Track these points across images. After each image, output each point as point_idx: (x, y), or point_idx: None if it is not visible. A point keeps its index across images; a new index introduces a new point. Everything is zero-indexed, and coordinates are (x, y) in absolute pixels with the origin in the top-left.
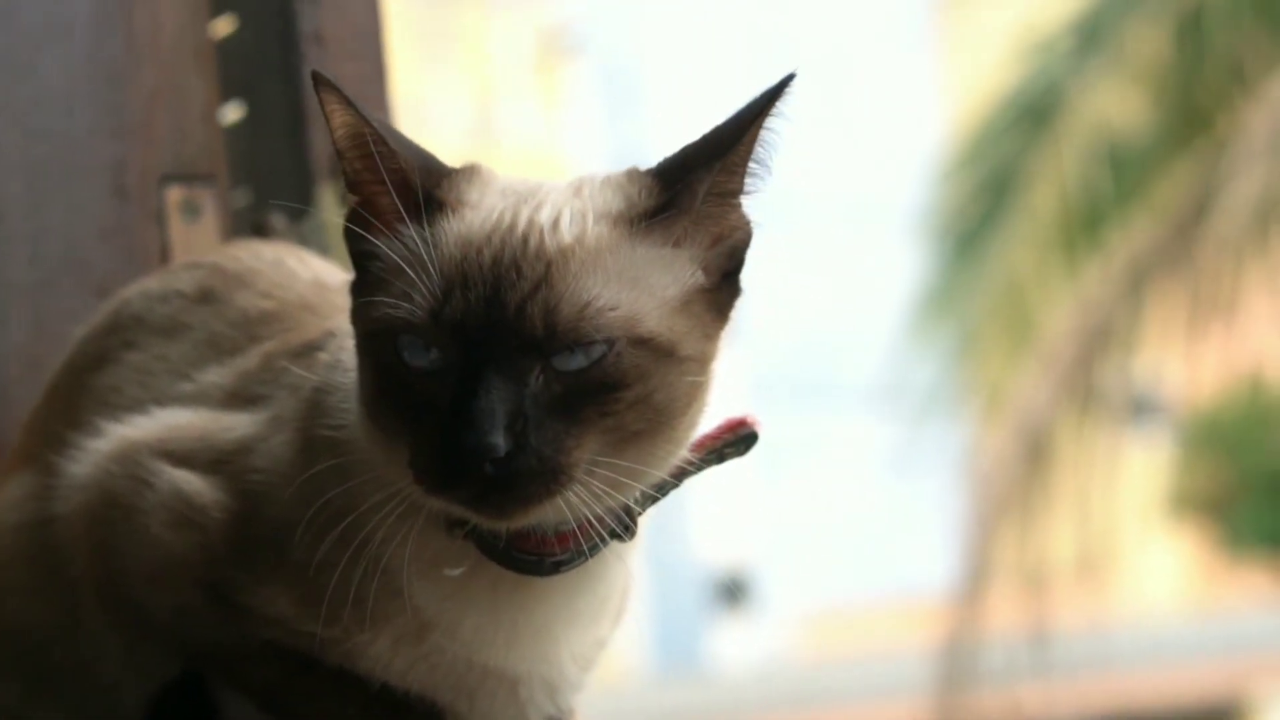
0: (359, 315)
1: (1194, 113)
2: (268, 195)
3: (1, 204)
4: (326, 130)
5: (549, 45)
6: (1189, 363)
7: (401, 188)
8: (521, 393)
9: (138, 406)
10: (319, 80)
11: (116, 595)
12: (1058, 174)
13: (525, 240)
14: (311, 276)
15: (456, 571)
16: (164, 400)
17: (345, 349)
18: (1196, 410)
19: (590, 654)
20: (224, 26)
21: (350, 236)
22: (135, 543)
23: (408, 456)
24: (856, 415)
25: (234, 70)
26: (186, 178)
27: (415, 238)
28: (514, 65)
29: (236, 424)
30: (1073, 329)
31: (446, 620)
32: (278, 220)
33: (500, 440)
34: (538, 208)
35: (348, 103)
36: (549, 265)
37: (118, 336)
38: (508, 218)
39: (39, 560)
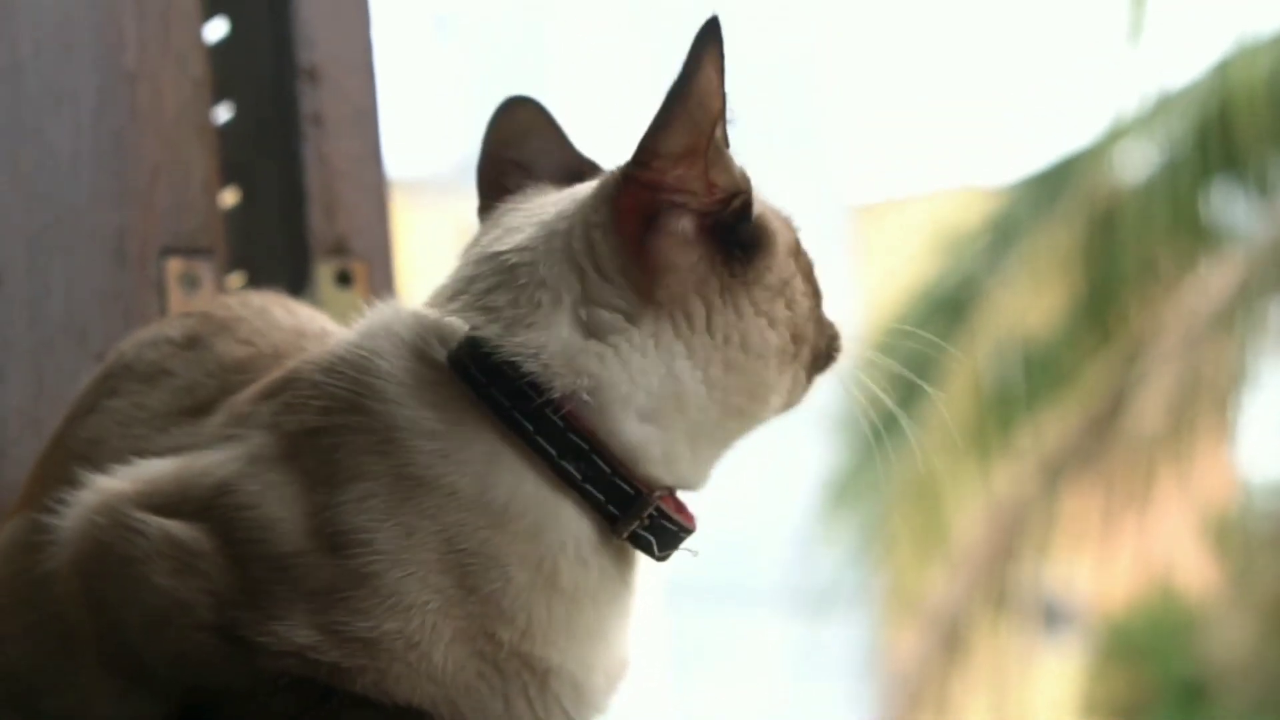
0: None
1: (1107, 312)
2: (264, 275)
3: (3, 267)
4: (325, 207)
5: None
6: (1100, 567)
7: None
8: None
9: (119, 457)
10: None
11: (115, 646)
12: (970, 369)
13: None
14: (293, 324)
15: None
16: (143, 451)
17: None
18: (1108, 617)
19: (615, 673)
20: (224, 112)
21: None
22: (133, 593)
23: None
24: (764, 615)
25: (233, 155)
26: (186, 251)
27: None
28: None
29: (211, 466)
30: (986, 527)
31: (529, 615)
32: None
33: None
34: None
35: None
36: None
37: (106, 384)
38: None
39: (32, 604)
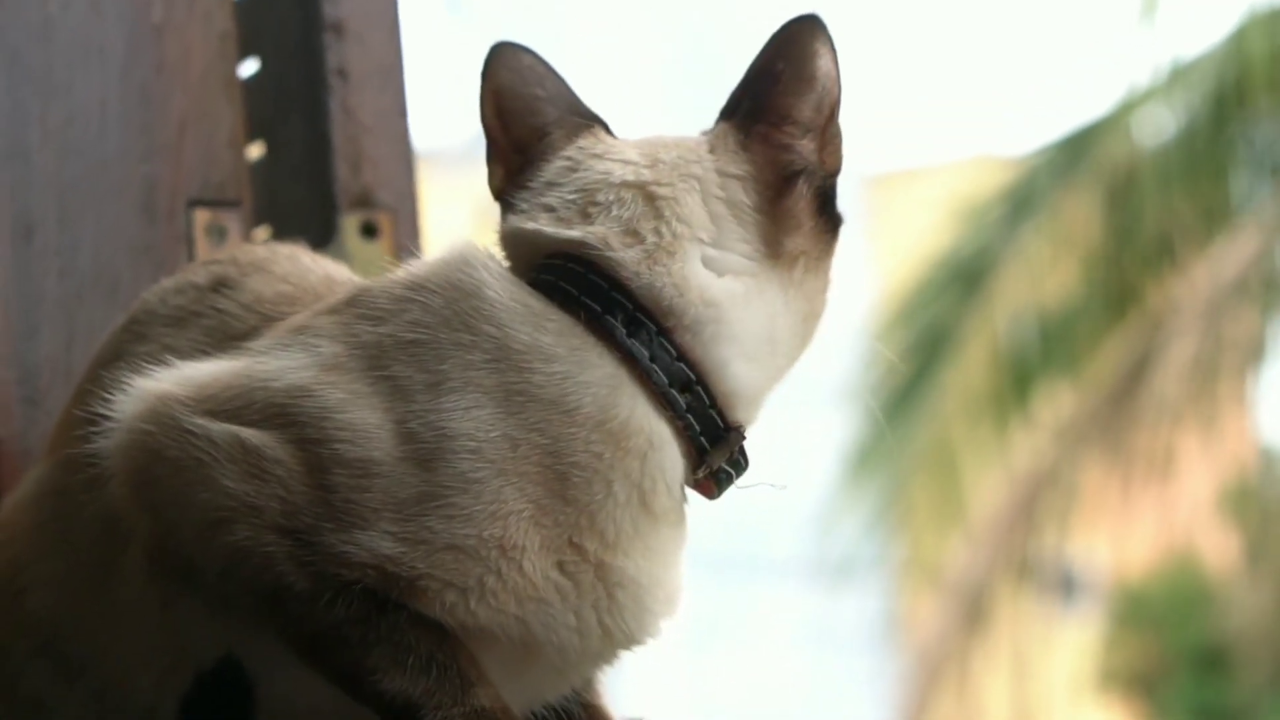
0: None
1: (1125, 282)
2: (290, 228)
3: (34, 219)
4: (350, 161)
5: None
6: (1118, 537)
7: None
8: None
9: None
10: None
11: (167, 549)
12: (988, 338)
13: None
14: (324, 273)
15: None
16: None
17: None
18: (1126, 587)
19: (673, 598)
20: (250, 66)
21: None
22: (193, 495)
23: None
24: (783, 586)
25: (258, 109)
26: (213, 203)
27: None
28: None
29: (277, 372)
30: (1005, 497)
31: (617, 529)
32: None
33: None
34: None
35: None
36: None
37: (130, 331)
38: None
39: (64, 547)
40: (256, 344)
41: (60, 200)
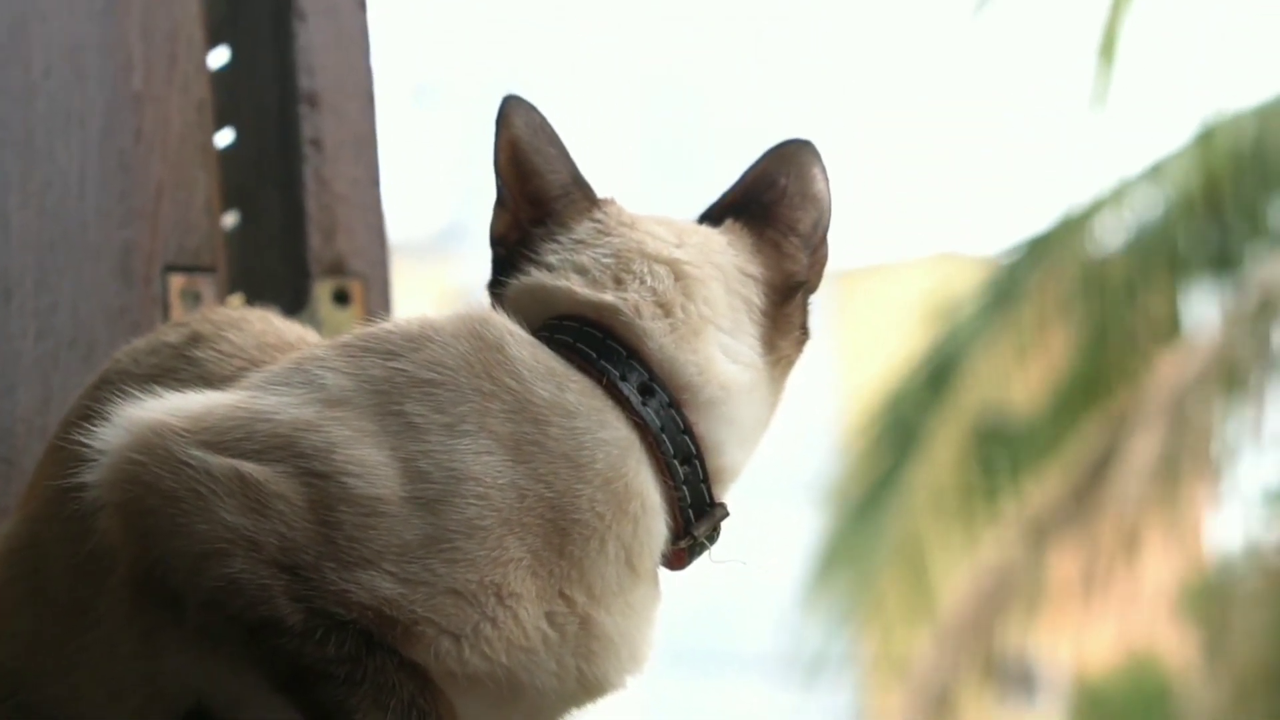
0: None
1: (1091, 380)
2: (264, 294)
3: (12, 280)
4: (324, 229)
5: None
6: (1080, 634)
7: None
8: None
9: None
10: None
11: (155, 581)
12: (957, 434)
13: None
14: (298, 334)
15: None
16: None
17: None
18: (1086, 684)
19: (639, 656)
20: (226, 136)
21: None
22: (187, 526)
23: None
24: (752, 681)
25: (234, 177)
26: (188, 268)
27: None
28: None
29: (278, 406)
30: (971, 593)
31: (604, 583)
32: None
33: None
34: None
35: None
36: None
37: (103, 391)
38: None
39: (36, 601)
40: (251, 379)
41: (39, 262)
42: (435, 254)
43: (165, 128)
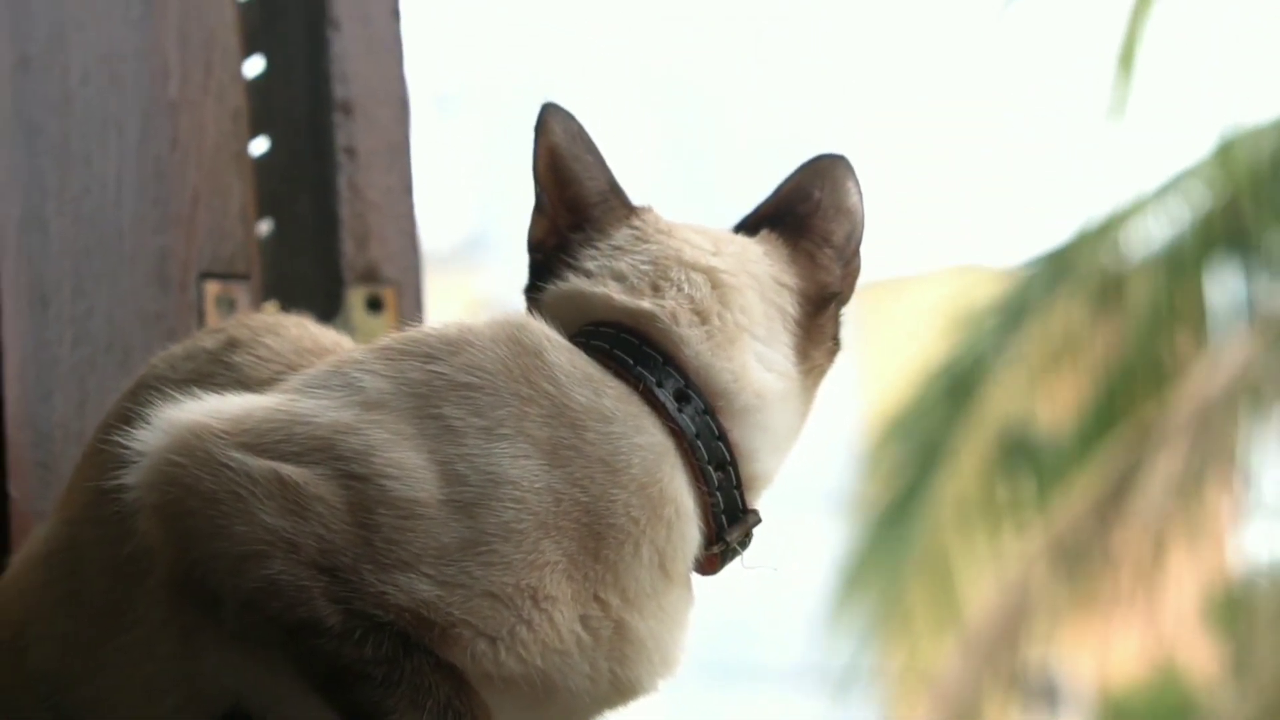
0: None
1: (1115, 394)
2: (297, 301)
3: (50, 286)
4: (357, 237)
5: None
6: (1104, 647)
7: None
8: None
9: None
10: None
11: (196, 582)
12: (982, 447)
13: None
14: (334, 339)
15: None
16: None
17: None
18: (1110, 697)
19: (670, 661)
20: (261, 144)
21: None
22: (227, 528)
23: None
24: (780, 693)
25: (268, 185)
26: (223, 275)
27: None
28: None
29: (317, 410)
30: (995, 606)
31: (638, 587)
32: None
33: None
34: None
35: None
36: None
37: (141, 396)
38: None
39: (71, 604)
40: (289, 383)
41: (76, 269)
42: (459, 264)
43: (201, 135)
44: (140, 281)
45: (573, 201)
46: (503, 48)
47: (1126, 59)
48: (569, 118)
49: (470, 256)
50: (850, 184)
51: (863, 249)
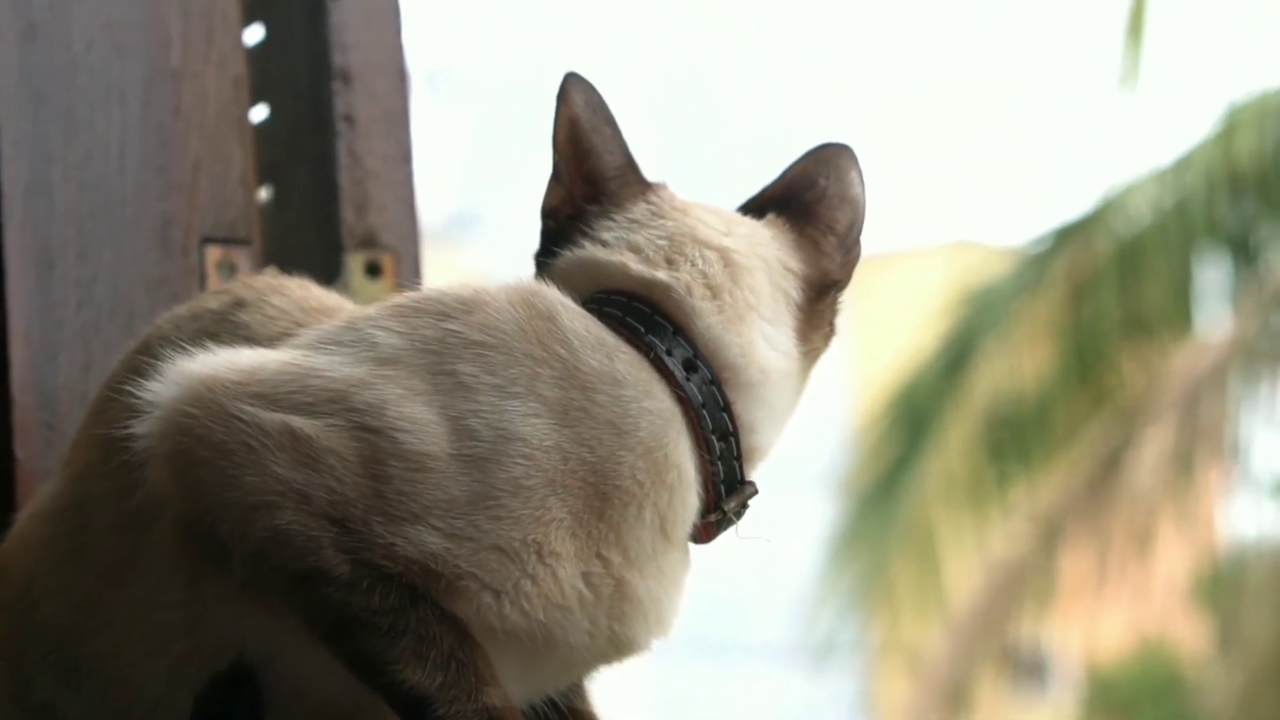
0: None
1: (1103, 371)
2: (297, 266)
3: (55, 250)
4: (356, 204)
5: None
6: (1092, 623)
7: None
8: None
9: None
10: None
11: (204, 532)
12: (969, 423)
13: None
14: (337, 300)
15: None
16: None
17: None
18: (1098, 673)
19: (665, 620)
20: (261, 112)
21: None
22: (241, 478)
23: None
24: (764, 668)
25: (269, 152)
26: (225, 240)
27: None
28: None
29: (329, 365)
30: (983, 582)
31: (639, 546)
32: None
33: None
34: None
35: None
36: None
37: (148, 354)
38: None
39: (78, 556)
40: (300, 339)
41: (80, 234)
42: (446, 240)
43: (202, 103)
44: (143, 246)
45: (591, 174)
46: (496, 27)
47: (1135, 28)
48: (590, 88)
49: (459, 232)
50: (854, 174)
51: (862, 238)
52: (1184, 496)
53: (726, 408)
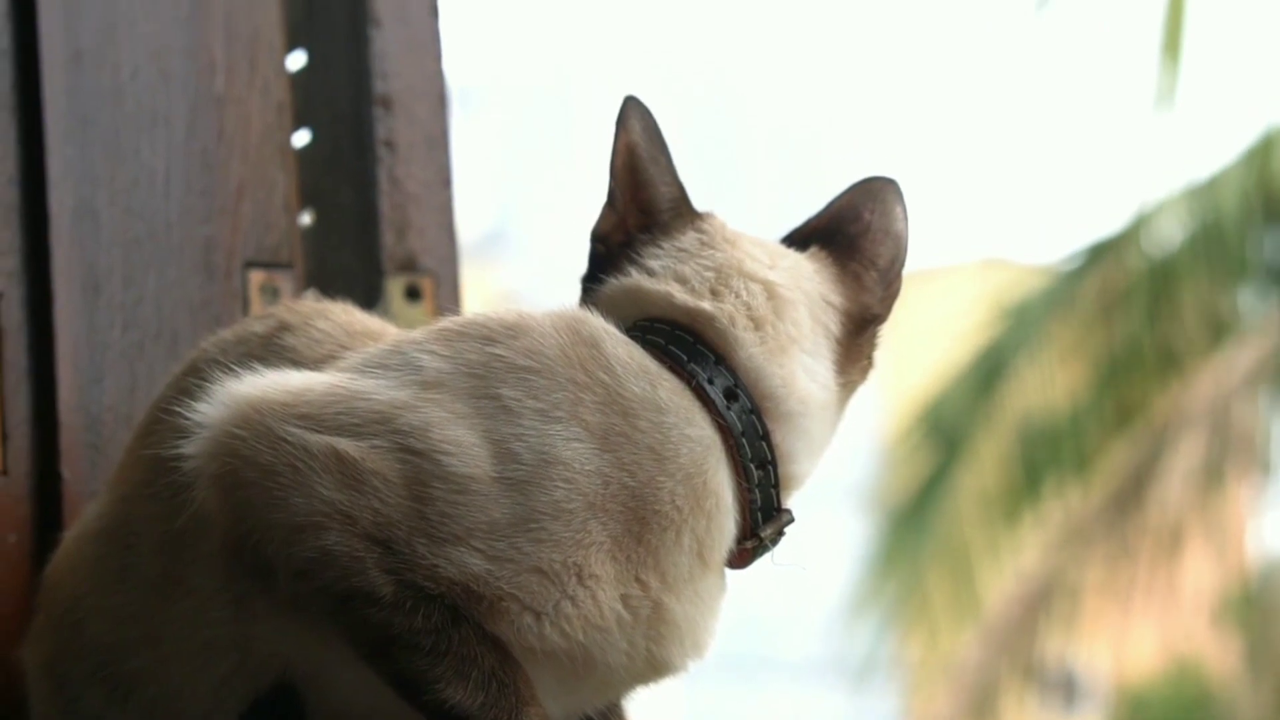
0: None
1: (1133, 387)
2: (338, 290)
3: (101, 274)
4: (396, 228)
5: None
6: (1120, 640)
7: None
8: None
9: None
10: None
11: (250, 551)
12: (1002, 439)
13: None
14: (380, 324)
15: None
16: None
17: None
18: (1127, 690)
19: (701, 644)
20: (303, 137)
21: None
22: (287, 499)
23: None
24: (799, 686)
25: (311, 177)
26: (267, 264)
27: None
28: None
29: (375, 388)
30: (1015, 598)
31: (676, 570)
32: None
33: None
34: None
35: None
36: None
37: (194, 376)
38: None
39: (124, 577)
40: (346, 362)
41: (125, 257)
42: (479, 258)
43: (246, 128)
44: (187, 270)
45: (646, 204)
46: (525, 43)
47: (1172, 46)
48: (648, 113)
49: (490, 251)
50: (899, 208)
51: (903, 273)
52: (1213, 511)
53: (765, 437)
